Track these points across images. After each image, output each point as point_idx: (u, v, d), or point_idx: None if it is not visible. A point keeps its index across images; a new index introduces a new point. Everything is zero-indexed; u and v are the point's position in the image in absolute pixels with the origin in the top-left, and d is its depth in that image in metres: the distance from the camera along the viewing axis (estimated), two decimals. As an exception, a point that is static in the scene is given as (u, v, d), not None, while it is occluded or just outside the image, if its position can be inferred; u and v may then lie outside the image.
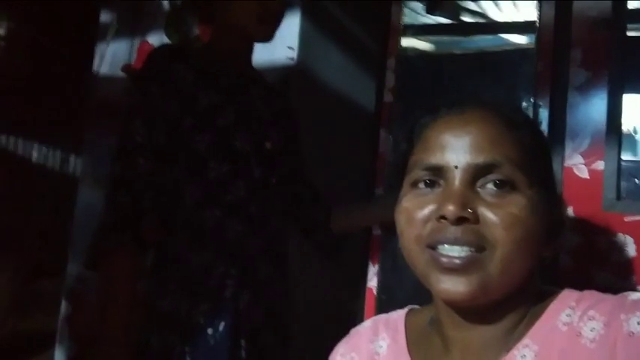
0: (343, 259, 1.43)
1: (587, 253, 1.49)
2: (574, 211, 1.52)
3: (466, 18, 1.92)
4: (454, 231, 0.63)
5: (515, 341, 0.66)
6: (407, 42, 1.92)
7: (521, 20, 1.79)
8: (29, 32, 2.55)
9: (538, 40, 1.67)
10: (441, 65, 1.93)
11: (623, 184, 1.51)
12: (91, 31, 2.14)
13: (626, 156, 1.54)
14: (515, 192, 0.63)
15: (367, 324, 0.83)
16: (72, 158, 3.21)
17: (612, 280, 1.44)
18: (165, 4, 1.98)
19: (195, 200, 1.16)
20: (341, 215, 1.38)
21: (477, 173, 0.64)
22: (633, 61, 1.55)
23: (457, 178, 0.64)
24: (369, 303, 1.78)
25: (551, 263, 1.53)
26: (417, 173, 0.68)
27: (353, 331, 0.84)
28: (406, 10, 1.93)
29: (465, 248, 0.62)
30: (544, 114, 1.61)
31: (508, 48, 1.86)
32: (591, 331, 0.61)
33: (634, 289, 1.38)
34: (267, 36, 1.26)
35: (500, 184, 0.64)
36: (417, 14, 1.94)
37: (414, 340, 0.76)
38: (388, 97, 1.88)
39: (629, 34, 1.57)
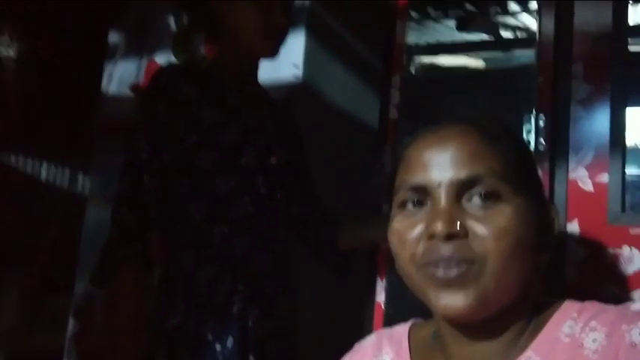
0: (351, 274, 1.43)
1: (594, 266, 1.49)
2: (579, 223, 1.53)
3: (506, 33, 1.95)
4: (446, 249, 0.63)
5: (517, 354, 0.66)
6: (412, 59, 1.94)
7: (523, 36, 1.81)
8: (38, 52, 2.58)
9: (538, 55, 1.69)
10: (445, 81, 1.95)
11: (628, 196, 1.51)
12: (100, 51, 2.17)
13: (630, 170, 1.55)
14: (501, 202, 0.63)
15: (371, 338, 0.82)
16: (80, 177, 3.23)
17: (619, 292, 1.44)
18: (172, 24, 2.01)
19: (202, 216, 1.17)
20: (348, 232, 1.38)
21: (461, 188, 0.64)
22: (635, 76, 1.56)
23: (442, 196, 0.65)
24: (378, 318, 1.78)
25: (557, 276, 1.53)
26: (404, 194, 0.68)
27: (356, 345, 0.83)
28: (439, 27, 1.96)
29: (460, 264, 0.62)
30: (546, 127, 1.62)
31: (511, 64, 1.88)
32: (593, 342, 0.61)
33: (641, 301, 1.38)
34: (273, 51, 1.27)
35: (486, 197, 0.64)
36: (452, 31, 1.97)
37: (418, 354, 0.76)
38: (393, 114, 1.90)
39: (631, 48, 1.59)
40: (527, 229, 0.64)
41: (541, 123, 1.63)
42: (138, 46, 2.08)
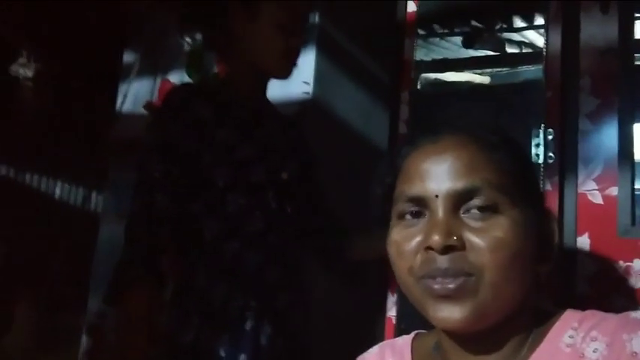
0: (363, 287, 1.43)
1: (604, 280, 1.48)
2: (589, 237, 1.53)
3: (512, 49, 1.97)
4: (443, 261, 0.63)
5: None
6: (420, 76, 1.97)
7: (529, 52, 1.83)
8: (53, 71, 2.64)
9: (546, 69, 1.71)
10: (453, 97, 1.97)
11: (638, 209, 1.51)
12: (115, 70, 2.21)
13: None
14: (498, 214, 0.63)
15: (374, 350, 0.82)
16: (94, 195, 3.26)
17: (630, 305, 1.44)
18: (186, 43, 2.04)
19: (214, 234, 1.18)
20: (359, 244, 1.39)
21: (458, 200, 0.64)
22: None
23: (440, 207, 0.64)
24: (389, 332, 1.79)
25: (568, 290, 1.53)
26: (402, 205, 0.68)
27: (359, 358, 0.83)
28: (447, 44, 1.98)
29: (457, 276, 0.62)
30: (555, 141, 1.63)
31: (518, 79, 1.89)
32: (594, 352, 0.61)
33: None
34: (289, 73, 1.28)
35: (483, 208, 0.63)
36: (458, 47, 1.99)
37: None
38: (403, 129, 1.92)
39: (638, 63, 1.60)
40: (525, 240, 0.64)
41: (550, 137, 1.64)
42: (152, 66, 2.11)
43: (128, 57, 2.22)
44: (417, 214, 0.67)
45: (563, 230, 1.57)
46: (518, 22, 1.92)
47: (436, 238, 0.62)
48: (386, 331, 1.80)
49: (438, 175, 0.65)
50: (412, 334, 0.81)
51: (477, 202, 0.64)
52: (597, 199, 1.55)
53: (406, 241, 0.67)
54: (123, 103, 2.15)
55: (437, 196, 0.65)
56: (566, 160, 1.61)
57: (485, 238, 0.62)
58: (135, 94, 2.13)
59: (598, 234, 1.52)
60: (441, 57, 2.01)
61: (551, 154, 1.63)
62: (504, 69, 1.95)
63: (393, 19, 2.03)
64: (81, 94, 2.70)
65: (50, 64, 2.58)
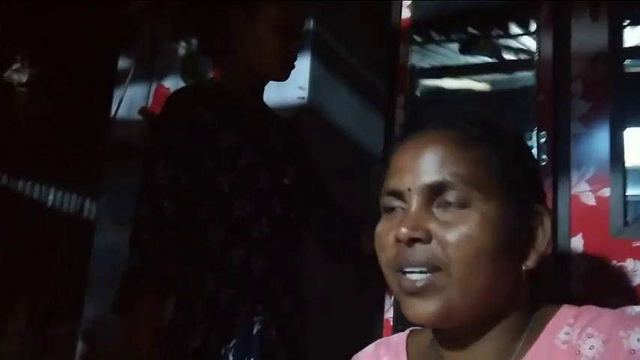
0: (363, 287, 1.42)
1: (598, 279, 1.50)
2: (583, 237, 1.54)
3: (508, 55, 1.98)
4: (410, 252, 0.64)
5: None
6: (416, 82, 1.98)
7: (525, 58, 1.85)
8: (48, 77, 2.63)
9: (538, 74, 1.73)
10: (449, 101, 1.99)
11: (630, 210, 1.53)
12: (110, 76, 2.21)
13: (632, 190, 1.56)
14: (467, 209, 0.63)
15: (369, 349, 0.83)
16: (88, 202, 3.26)
17: (624, 304, 1.45)
18: (181, 48, 2.05)
19: (221, 240, 1.17)
20: (370, 236, 1.38)
21: (430, 194, 0.65)
22: (633, 95, 1.60)
23: (413, 201, 0.65)
24: (387, 334, 1.79)
25: (563, 290, 1.54)
26: (385, 199, 0.69)
27: (355, 357, 0.83)
28: (444, 51, 2.00)
29: (424, 270, 0.63)
30: (548, 144, 1.64)
31: (513, 85, 1.91)
32: (590, 349, 0.60)
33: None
34: (286, 76, 1.29)
35: (453, 203, 0.64)
36: (455, 54, 2.00)
37: None
38: (398, 133, 1.93)
39: (628, 70, 1.63)
40: (498, 236, 0.63)
41: (542, 140, 1.66)
42: (147, 71, 2.12)
43: (123, 63, 2.22)
44: (397, 208, 0.68)
45: (557, 231, 1.59)
46: (514, 29, 1.94)
47: (402, 230, 0.64)
48: (384, 332, 1.81)
49: (413, 169, 0.66)
50: (407, 332, 0.81)
51: (447, 196, 0.64)
52: (590, 200, 1.57)
53: (385, 234, 0.68)
54: (118, 108, 2.15)
55: (409, 189, 0.66)
56: (559, 163, 1.63)
57: (451, 232, 0.63)
58: (130, 100, 2.13)
59: (591, 234, 1.53)
60: (437, 63, 2.02)
61: (544, 157, 1.65)
62: (501, 75, 1.96)
63: (388, 24, 2.05)
64: (75, 100, 2.70)
65: (44, 70, 2.57)
